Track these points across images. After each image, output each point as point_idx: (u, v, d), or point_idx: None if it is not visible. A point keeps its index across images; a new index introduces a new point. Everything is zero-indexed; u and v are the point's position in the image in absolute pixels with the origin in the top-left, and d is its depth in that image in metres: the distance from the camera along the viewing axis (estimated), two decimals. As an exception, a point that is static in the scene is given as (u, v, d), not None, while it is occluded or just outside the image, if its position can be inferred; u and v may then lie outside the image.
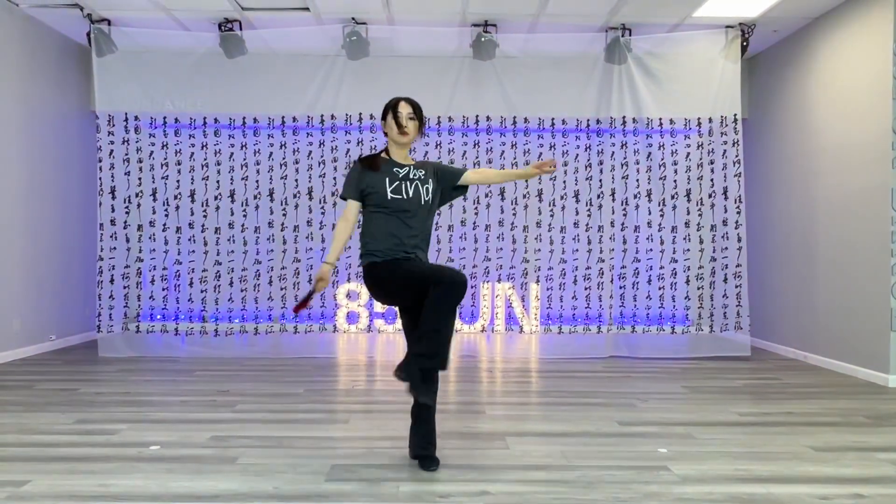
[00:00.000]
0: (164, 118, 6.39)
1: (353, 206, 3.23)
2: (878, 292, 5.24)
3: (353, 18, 6.10)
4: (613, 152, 6.46)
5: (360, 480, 2.99)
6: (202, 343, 6.35)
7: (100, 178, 6.25)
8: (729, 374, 5.59)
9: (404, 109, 3.18)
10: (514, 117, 6.49)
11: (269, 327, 6.45)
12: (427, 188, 3.19)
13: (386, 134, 3.28)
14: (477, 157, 6.52)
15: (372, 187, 3.15)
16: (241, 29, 6.18)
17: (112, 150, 6.28)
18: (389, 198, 3.12)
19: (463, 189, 3.41)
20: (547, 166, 3.26)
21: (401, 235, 3.13)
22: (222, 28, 6.15)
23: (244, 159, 6.47)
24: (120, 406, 4.33)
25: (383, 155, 3.28)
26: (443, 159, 6.49)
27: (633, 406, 4.44)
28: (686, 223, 6.43)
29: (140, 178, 6.36)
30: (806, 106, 6.25)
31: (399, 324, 6.46)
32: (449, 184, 3.32)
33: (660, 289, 6.46)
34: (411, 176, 3.19)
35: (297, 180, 6.46)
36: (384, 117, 3.26)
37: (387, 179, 3.15)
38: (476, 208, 6.54)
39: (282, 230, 6.45)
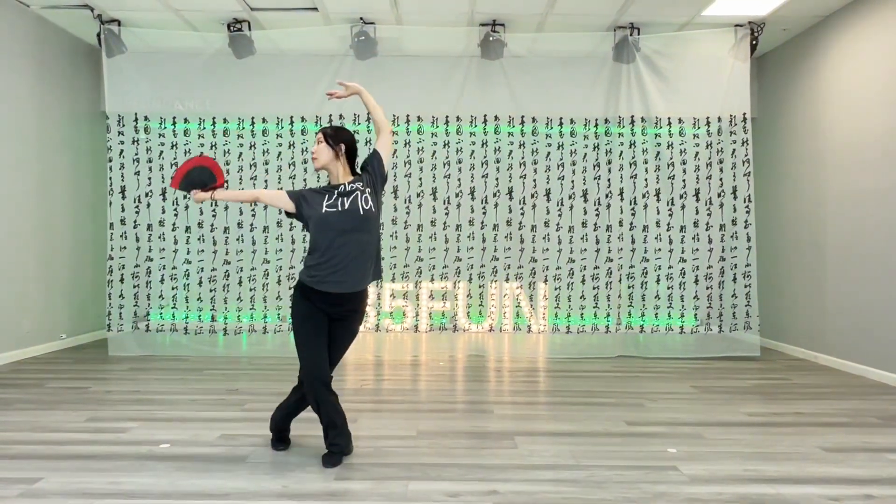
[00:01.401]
0: (174, 118, 6.43)
1: (282, 197, 3.26)
2: (888, 292, 5.21)
3: (361, 18, 6.12)
4: (622, 151, 6.45)
5: (369, 479, 3.00)
6: (211, 342, 6.38)
7: (110, 178, 6.29)
8: (738, 374, 5.57)
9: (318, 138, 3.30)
10: (523, 116, 6.48)
11: (277, 326, 6.48)
12: (366, 197, 3.19)
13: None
14: (485, 157, 6.52)
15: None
16: (249, 29, 6.21)
17: (122, 150, 6.32)
18: (324, 212, 3.15)
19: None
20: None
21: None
22: (231, 28, 6.18)
23: (252, 159, 6.49)
24: (130, 404, 4.36)
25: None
26: (451, 158, 6.50)
27: (641, 406, 4.43)
28: (695, 223, 6.40)
29: (150, 178, 6.39)
30: (816, 105, 6.22)
31: (407, 322, 6.56)
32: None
33: (668, 288, 6.43)
34: (347, 191, 3.21)
35: (304, 180, 6.47)
36: None
37: (324, 198, 3.21)
38: (484, 208, 6.53)
39: (290, 229, 6.47)
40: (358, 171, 3.38)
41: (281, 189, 6.42)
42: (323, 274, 3.12)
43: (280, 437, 3.49)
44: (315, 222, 3.16)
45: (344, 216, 3.13)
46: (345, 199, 3.16)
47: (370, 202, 3.18)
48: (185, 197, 3.21)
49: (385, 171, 3.35)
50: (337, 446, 3.23)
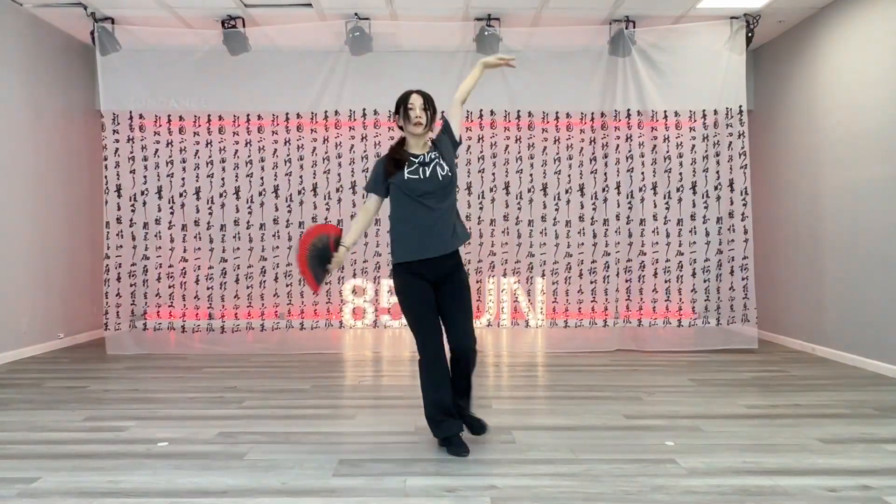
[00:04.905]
0: (169, 116, 6.40)
1: (374, 199, 3.37)
2: (885, 283, 5.22)
3: (355, 14, 6.10)
4: (618, 145, 6.44)
5: (367, 475, 3.00)
6: (209, 340, 6.37)
7: (105, 177, 6.28)
8: (736, 366, 5.58)
9: (416, 101, 3.24)
10: (519, 111, 6.47)
11: (275, 323, 6.47)
12: (441, 165, 3.28)
13: (401, 128, 3.35)
14: (482, 153, 6.51)
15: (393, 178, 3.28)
16: (244, 26, 6.19)
17: (117, 149, 6.30)
18: (406, 178, 3.22)
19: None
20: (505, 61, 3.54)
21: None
22: (225, 25, 6.16)
23: (248, 156, 6.48)
24: (128, 403, 4.35)
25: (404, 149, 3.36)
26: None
27: (639, 399, 4.44)
28: (692, 216, 6.40)
29: (145, 176, 6.38)
30: (812, 97, 6.22)
31: (404, 319, 6.54)
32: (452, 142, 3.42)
33: (666, 282, 6.43)
34: (426, 161, 3.28)
35: (301, 177, 6.47)
36: (397, 111, 3.32)
37: (405, 167, 3.26)
38: (481, 203, 6.52)
39: (287, 226, 6.46)
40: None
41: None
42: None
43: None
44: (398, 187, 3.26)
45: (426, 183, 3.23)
46: (425, 168, 3.27)
47: (446, 170, 3.29)
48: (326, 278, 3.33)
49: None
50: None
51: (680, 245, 6.42)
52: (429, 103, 3.29)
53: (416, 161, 3.26)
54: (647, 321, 6.48)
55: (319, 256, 3.28)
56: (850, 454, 3.27)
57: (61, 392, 4.67)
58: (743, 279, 6.28)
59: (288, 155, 6.47)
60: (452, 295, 3.30)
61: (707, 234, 6.39)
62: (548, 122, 6.50)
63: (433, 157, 3.29)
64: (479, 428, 3.43)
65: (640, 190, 6.42)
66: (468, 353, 3.30)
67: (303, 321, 6.45)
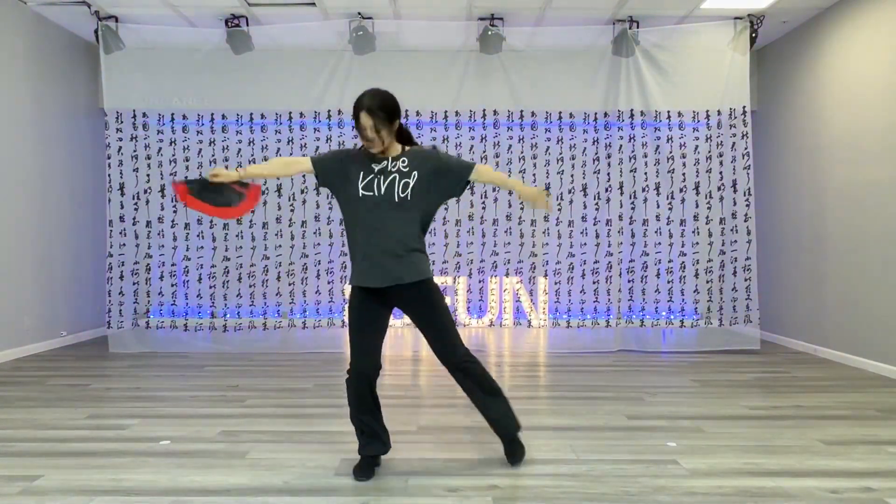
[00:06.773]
0: (172, 114, 6.42)
1: (304, 163, 2.98)
2: (888, 285, 5.21)
3: (359, 13, 6.10)
4: (621, 146, 6.43)
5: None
6: (211, 338, 6.39)
7: (108, 175, 6.29)
8: (738, 367, 5.57)
9: (366, 123, 2.74)
10: (521, 111, 6.47)
11: (277, 322, 6.48)
12: (406, 182, 2.84)
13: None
14: (484, 151, 6.51)
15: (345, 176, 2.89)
16: (247, 25, 6.19)
17: (120, 147, 6.31)
18: (360, 195, 2.84)
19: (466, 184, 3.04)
20: (542, 202, 3.17)
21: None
22: (229, 24, 6.16)
23: (252, 155, 6.49)
24: (130, 401, 4.36)
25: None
26: (450, 154, 6.48)
27: (641, 400, 4.43)
28: (695, 216, 6.39)
29: (148, 175, 6.39)
30: (816, 97, 6.20)
31: (407, 318, 6.55)
32: (452, 179, 2.97)
33: (668, 282, 6.43)
34: (390, 168, 2.86)
35: (304, 176, 6.46)
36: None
37: (361, 173, 2.86)
38: (483, 202, 6.52)
39: (289, 225, 6.46)
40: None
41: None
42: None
43: None
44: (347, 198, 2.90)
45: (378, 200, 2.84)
46: (381, 178, 2.84)
47: (408, 190, 2.84)
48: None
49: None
50: None
51: (682, 246, 6.41)
52: (386, 112, 2.76)
53: (375, 170, 2.85)
54: (650, 322, 6.48)
55: (200, 187, 3.00)
56: (852, 456, 3.26)
57: (64, 390, 4.67)
58: (745, 280, 6.27)
59: (291, 154, 6.48)
60: (421, 315, 3.12)
61: (710, 234, 6.38)
62: (551, 122, 6.50)
63: (403, 166, 2.86)
64: (513, 456, 3.07)
65: (643, 190, 6.41)
66: (462, 366, 3.00)
67: (305, 320, 6.45)
